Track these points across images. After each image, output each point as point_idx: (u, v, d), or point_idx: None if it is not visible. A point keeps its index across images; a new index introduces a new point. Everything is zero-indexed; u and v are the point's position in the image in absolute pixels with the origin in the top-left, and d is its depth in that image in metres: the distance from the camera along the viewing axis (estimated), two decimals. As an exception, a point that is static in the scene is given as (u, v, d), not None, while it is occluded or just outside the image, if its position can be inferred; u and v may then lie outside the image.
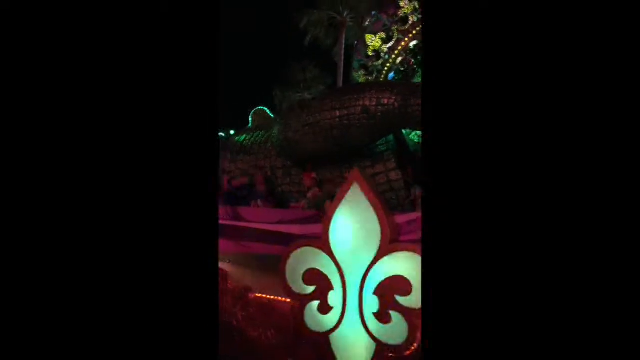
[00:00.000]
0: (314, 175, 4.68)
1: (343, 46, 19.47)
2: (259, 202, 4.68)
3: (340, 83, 19.20)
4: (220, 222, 4.81)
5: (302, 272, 3.71)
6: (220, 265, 3.70)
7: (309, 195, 4.57)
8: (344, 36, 19.60)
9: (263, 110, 5.95)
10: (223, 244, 4.25)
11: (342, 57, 19.38)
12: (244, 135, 5.63)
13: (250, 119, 5.95)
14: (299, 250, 3.85)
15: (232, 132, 6.05)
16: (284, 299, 3.92)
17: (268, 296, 4.20)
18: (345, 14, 19.59)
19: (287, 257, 3.86)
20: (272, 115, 5.79)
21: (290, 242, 4.07)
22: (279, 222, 4.30)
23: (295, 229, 4.32)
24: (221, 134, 7.00)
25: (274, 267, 4.00)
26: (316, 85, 21.91)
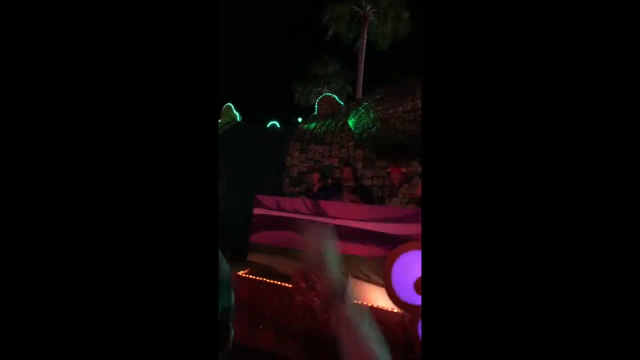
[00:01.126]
0: (403, 169, 4.07)
1: (365, 40, 18.86)
2: (346, 197, 4.07)
3: (361, 77, 18.65)
4: (299, 216, 4.25)
5: (413, 279, 3.14)
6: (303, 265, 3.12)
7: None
8: (366, 30, 18.96)
9: (330, 97, 5.31)
10: (301, 241, 3.58)
11: (364, 51, 18.78)
12: (314, 124, 5.01)
13: (316, 106, 5.32)
14: (408, 254, 3.26)
15: (299, 119, 5.46)
16: (389, 309, 3.27)
17: (368, 304, 3.51)
18: (368, 8, 18.91)
19: (393, 261, 3.28)
20: (342, 103, 5.15)
21: (386, 243, 3.50)
22: (372, 220, 3.64)
23: (393, 229, 3.65)
24: (274, 122, 6.38)
25: (374, 272, 3.43)
26: (336, 80, 21.37)
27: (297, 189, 4.76)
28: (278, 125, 6.43)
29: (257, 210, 4.36)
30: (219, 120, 6.15)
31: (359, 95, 18.76)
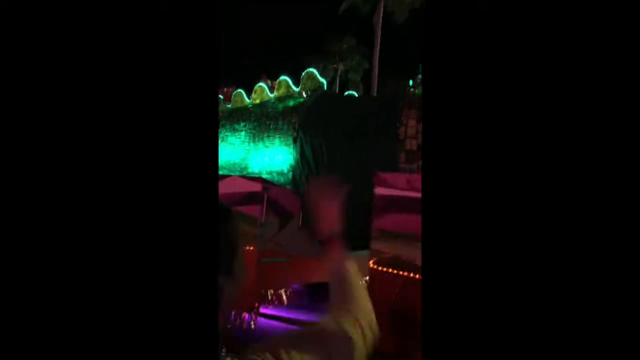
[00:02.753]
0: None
1: (381, 13, 17.82)
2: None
3: (377, 52, 17.72)
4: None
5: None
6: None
7: None
8: (382, 3, 17.90)
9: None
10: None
11: (380, 25, 17.78)
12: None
13: (420, 67, 4.53)
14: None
15: (410, 82, 4.69)
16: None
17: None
18: (384, -21, 17.80)
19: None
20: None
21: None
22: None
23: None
24: (352, 92, 5.58)
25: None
26: (352, 56, 20.42)
27: (417, 165, 4.02)
28: (356, 95, 5.62)
29: (380, 191, 3.64)
30: (298, 89, 5.35)
31: (376, 70, 17.97)
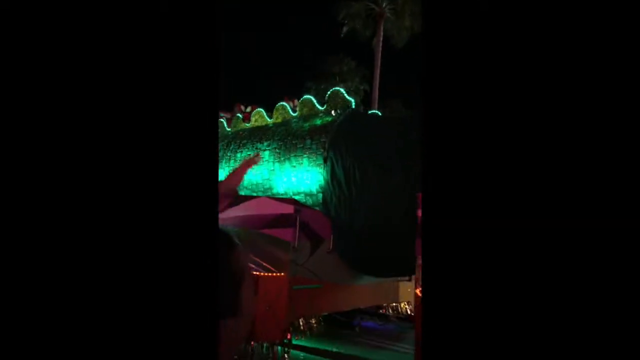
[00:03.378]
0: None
1: (381, 38, 18.06)
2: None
3: (377, 74, 17.85)
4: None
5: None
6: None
7: None
8: (382, 27, 18.20)
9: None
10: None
11: (380, 49, 17.97)
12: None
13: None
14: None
15: None
16: None
17: None
18: (384, 5, 18.17)
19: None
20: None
21: None
22: None
23: None
24: (375, 111, 5.42)
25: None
26: (352, 78, 20.53)
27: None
28: (379, 114, 5.48)
29: (425, 213, 3.37)
30: (323, 108, 5.18)
31: (376, 93, 18.06)
